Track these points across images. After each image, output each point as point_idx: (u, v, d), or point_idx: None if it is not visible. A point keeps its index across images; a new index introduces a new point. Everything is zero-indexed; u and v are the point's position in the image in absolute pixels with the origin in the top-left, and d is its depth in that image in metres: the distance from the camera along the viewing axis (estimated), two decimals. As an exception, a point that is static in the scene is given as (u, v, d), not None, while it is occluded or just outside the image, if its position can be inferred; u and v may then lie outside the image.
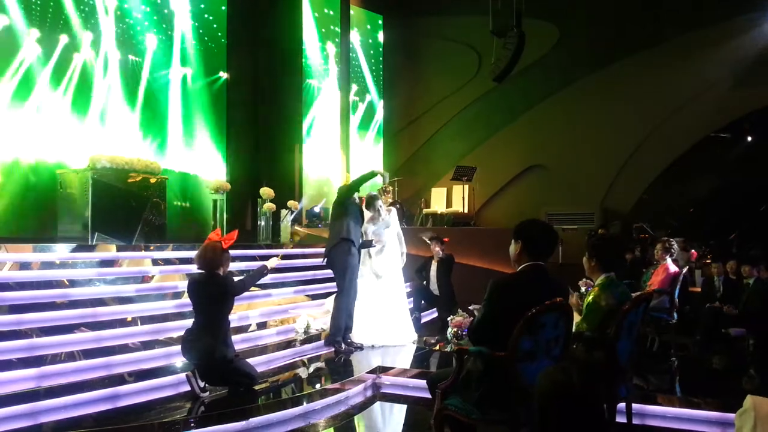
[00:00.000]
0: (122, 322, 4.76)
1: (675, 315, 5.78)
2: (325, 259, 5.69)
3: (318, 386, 4.55)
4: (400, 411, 4.42)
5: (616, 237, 8.75)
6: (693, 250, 8.42)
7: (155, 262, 5.71)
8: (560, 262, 8.34)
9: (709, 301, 6.57)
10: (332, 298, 5.84)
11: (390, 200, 6.82)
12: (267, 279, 5.70)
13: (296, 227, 9.78)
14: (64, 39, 8.03)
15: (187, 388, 3.99)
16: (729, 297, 6.48)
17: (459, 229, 10.11)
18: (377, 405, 4.50)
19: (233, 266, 5.06)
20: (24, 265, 4.84)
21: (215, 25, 10.21)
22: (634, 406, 3.51)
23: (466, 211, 11.04)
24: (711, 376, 5.29)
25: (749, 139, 11.19)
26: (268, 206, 8.27)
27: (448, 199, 11.65)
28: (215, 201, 7.92)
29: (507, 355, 2.66)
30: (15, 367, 3.84)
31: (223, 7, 10.30)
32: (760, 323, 5.90)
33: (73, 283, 4.89)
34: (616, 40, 10.96)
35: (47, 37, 7.84)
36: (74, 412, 3.62)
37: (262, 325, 5.61)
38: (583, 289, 4.11)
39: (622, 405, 3.33)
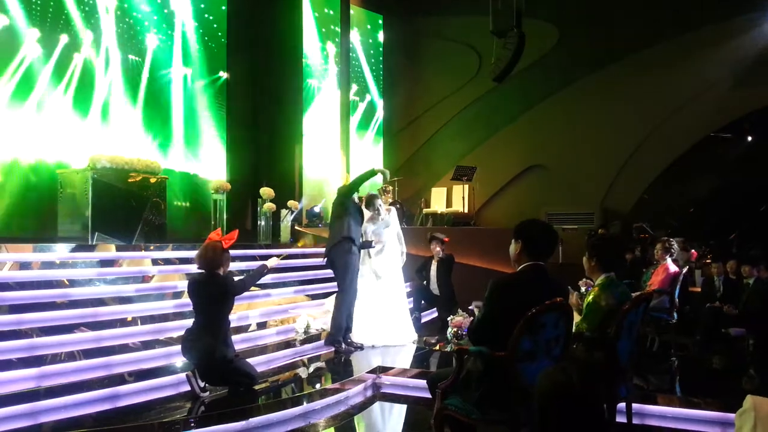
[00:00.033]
0: (122, 322, 4.77)
1: (675, 315, 5.78)
2: (326, 258, 5.68)
3: (318, 386, 4.55)
4: (400, 411, 4.42)
5: (616, 237, 8.75)
6: (693, 250, 8.42)
7: (155, 262, 5.71)
8: (560, 262, 8.34)
9: (709, 301, 6.57)
10: (332, 297, 5.85)
11: (390, 200, 6.82)
12: (267, 279, 5.71)
13: (297, 227, 9.78)
14: (64, 39, 8.03)
15: (187, 388, 3.99)
16: (729, 297, 6.48)
17: (459, 229, 10.11)
18: (377, 405, 4.50)
19: (233, 266, 5.06)
20: (24, 265, 4.84)
21: (215, 25, 10.21)
22: (634, 406, 3.51)
23: (466, 211, 11.04)
24: (711, 376, 5.29)
25: (749, 139, 11.19)
26: (268, 206, 8.27)
27: (448, 199, 11.65)
28: (215, 201, 7.92)
29: (507, 355, 2.66)
30: (15, 367, 3.84)
31: (223, 7, 10.31)
32: (760, 323, 5.90)
33: (73, 283, 4.90)
34: (616, 40, 10.95)
35: (47, 36, 7.84)
36: (74, 412, 3.62)
37: (262, 325, 5.61)
38: (583, 289, 4.11)
39: (622, 405, 3.33)
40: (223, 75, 10.31)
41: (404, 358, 5.46)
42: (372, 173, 5.86)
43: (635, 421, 3.51)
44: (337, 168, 11.96)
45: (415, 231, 9.31)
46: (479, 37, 10.69)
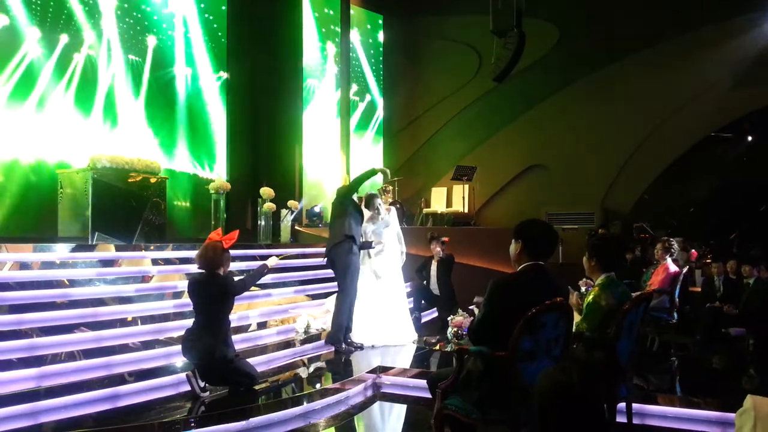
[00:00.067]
0: (122, 322, 4.76)
1: (675, 315, 5.78)
2: (326, 258, 5.68)
3: (318, 386, 4.55)
4: (400, 411, 4.42)
5: (617, 237, 8.74)
6: (693, 250, 8.43)
7: (155, 262, 5.71)
8: (560, 262, 8.34)
9: (709, 301, 6.58)
10: (333, 297, 5.85)
11: (390, 200, 6.82)
12: (267, 279, 5.71)
13: (297, 227, 9.78)
14: (64, 39, 8.03)
15: (187, 387, 3.99)
16: (729, 297, 6.48)
17: (459, 228, 10.11)
18: (377, 405, 4.50)
19: (233, 266, 5.06)
20: (24, 265, 4.83)
21: (215, 25, 10.21)
22: (635, 405, 3.51)
23: (466, 210, 11.04)
24: (711, 376, 5.29)
25: (749, 139, 11.19)
26: (268, 206, 8.27)
27: (448, 198, 11.65)
28: (215, 201, 7.92)
29: (507, 355, 2.66)
30: (15, 367, 3.84)
31: (223, 7, 10.31)
32: (760, 323, 5.91)
33: (73, 283, 4.89)
34: (616, 40, 10.95)
35: (48, 36, 7.84)
36: (74, 412, 3.62)
37: (262, 325, 5.61)
38: (583, 288, 4.11)
39: (622, 405, 3.33)
40: (223, 75, 10.31)
41: (404, 358, 5.46)
42: (372, 173, 5.86)
43: (635, 421, 3.51)
44: (337, 168, 11.96)
45: (415, 231, 9.30)
46: (479, 36, 10.71)
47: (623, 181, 11.17)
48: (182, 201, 9.50)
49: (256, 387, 4.19)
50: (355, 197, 5.83)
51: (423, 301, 7.39)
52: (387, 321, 5.92)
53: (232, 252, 4.30)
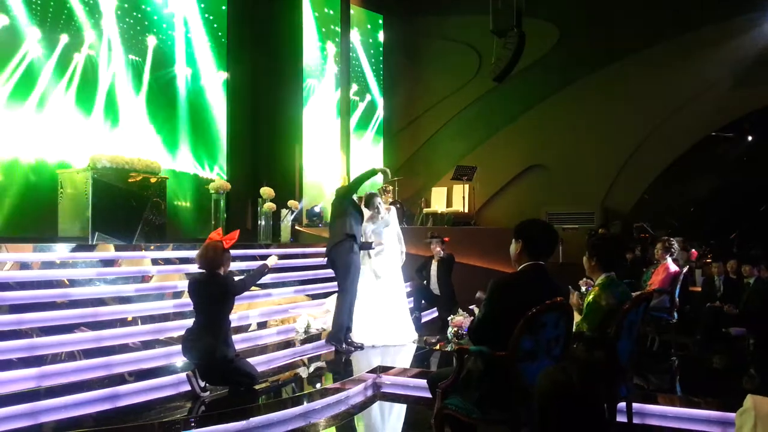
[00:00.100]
0: (122, 322, 4.76)
1: (675, 314, 5.78)
2: (326, 258, 5.68)
3: (318, 386, 4.55)
4: (400, 410, 4.42)
5: (617, 236, 8.74)
6: (693, 250, 8.42)
7: (155, 261, 5.70)
8: (560, 261, 8.34)
9: (709, 301, 6.58)
10: (333, 297, 5.84)
11: (390, 199, 6.82)
12: (267, 279, 5.70)
13: (297, 226, 9.78)
14: (64, 38, 8.04)
15: (188, 387, 3.99)
16: (729, 296, 6.48)
17: (459, 228, 10.11)
18: (377, 404, 4.50)
19: (233, 266, 5.06)
20: (24, 265, 4.83)
21: (215, 25, 10.21)
22: (635, 405, 3.51)
23: (466, 210, 11.05)
24: (711, 376, 5.29)
25: (749, 139, 11.19)
26: (268, 206, 8.26)
27: (448, 198, 11.66)
28: (215, 201, 7.91)
29: (507, 355, 2.66)
30: (15, 367, 3.83)
31: (223, 7, 10.31)
32: (761, 323, 5.91)
33: (73, 283, 4.89)
34: (616, 40, 10.95)
35: (48, 36, 7.85)
36: (74, 412, 3.62)
37: (262, 325, 5.61)
38: (583, 288, 4.11)
39: (622, 404, 3.33)
40: (224, 75, 10.31)
41: (404, 358, 5.46)
42: (373, 173, 5.86)
43: (635, 420, 3.51)
44: (337, 168, 11.96)
45: (415, 231, 9.31)
46: (479, 36, 10.71)
47: (623, 181, 11.18)
48: (182, 201, 9.50)
49: (256, 387, 4.19)
50: (354, 197, 5.82)
51: (423, 301, 7.39)
52: (387, 321, 5.91)
53: (232, 252, 4.30)
